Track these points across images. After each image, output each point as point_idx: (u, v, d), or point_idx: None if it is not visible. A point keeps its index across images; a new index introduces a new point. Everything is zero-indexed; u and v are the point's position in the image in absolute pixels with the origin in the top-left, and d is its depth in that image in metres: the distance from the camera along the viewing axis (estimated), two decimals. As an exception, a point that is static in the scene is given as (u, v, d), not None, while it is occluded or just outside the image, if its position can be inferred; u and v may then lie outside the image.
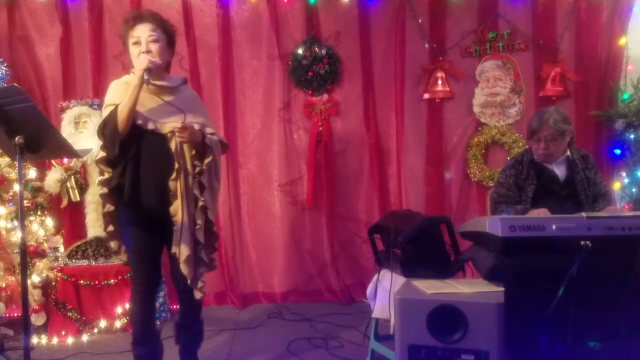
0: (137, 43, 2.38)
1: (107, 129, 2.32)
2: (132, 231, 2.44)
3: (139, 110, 2.32)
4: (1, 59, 3.71)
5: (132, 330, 2.55)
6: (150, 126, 2.35)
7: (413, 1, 4.13)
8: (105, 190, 2.42)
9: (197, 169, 2.40)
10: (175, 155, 2.35)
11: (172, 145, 2.36)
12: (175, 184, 2.36)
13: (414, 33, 4.17)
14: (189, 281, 2.42)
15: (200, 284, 2.47)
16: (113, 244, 2.56)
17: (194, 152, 2.41)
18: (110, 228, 2.49)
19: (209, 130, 2.49)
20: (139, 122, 2.33)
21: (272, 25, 4.08)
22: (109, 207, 2.46)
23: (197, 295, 2.47)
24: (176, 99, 2.45)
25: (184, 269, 2.38)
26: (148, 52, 2.35)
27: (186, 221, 2.36)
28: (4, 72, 3.69)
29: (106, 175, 2.42)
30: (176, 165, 2.35)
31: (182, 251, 2.36)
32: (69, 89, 3.97)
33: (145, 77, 2.26)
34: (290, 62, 4.10)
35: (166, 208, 2.37)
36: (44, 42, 3.99)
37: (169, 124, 2.35)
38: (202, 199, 2.41)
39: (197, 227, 2.40)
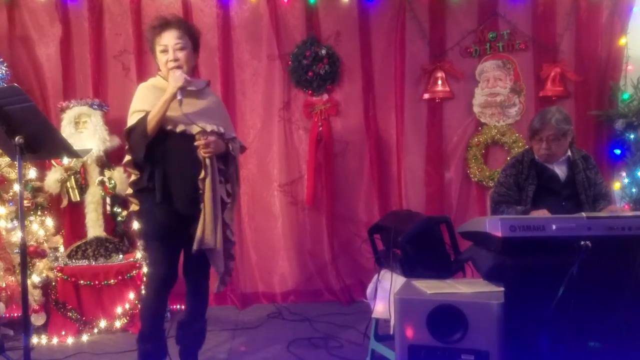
0: (164, 51, 2.44)
1: (134, 135, 2.40)
2: (155, 230, 2.49)
3: (168, 114, 2.39)
4: (1, 59, 3.72)
5: (141, 326, 2.57)
6: (180, 128, 2.41)
7: (413, 1, 4.13)
8: (131, 191, 2.52)
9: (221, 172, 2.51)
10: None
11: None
12: (204, 183, 2.42)
13: (414, 33, 4.17)
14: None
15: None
16: (139, 243, 2.64)
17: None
18: (136, 226, 2.57)
19: (230, 134, 2.57)
20: (169, 127, 2.41)
21: (272, 25, 4.08)
22: (134, 207, 2.54)
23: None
24: (201, 102, 2.52)
25: (214, 263, 2.50)
26: (175, 60, 2.42)
27: (212, 215, 2.43)
28: (4, 72, 3.69)
29: (133, 177, 2.50)
30: (206, 163, 2.41)
31: (215, 243, 2.44)
32: (69, 89, 3.97)
33: (179, 97, 2.34)
34: (290, 62, 4.10)
35: (196, 207, 2.43)
36: (44, 42, 3.99)
37: (197, 126, 2.42)
38: (229, 200, 2.53)
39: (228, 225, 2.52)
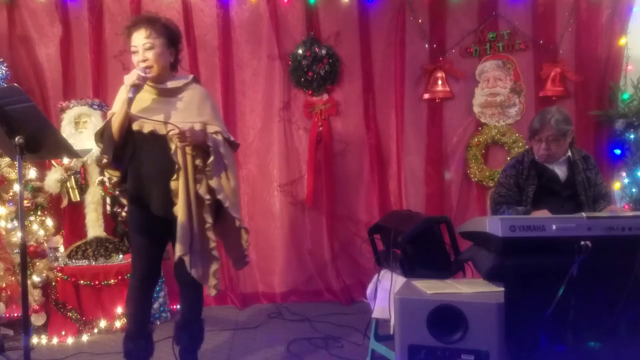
0: (135, 52, 2.42)
1: (103, 137, 2.45)
2: (135, 229, 2.52)
3: (137, 113, 2.37)
4: (1, 59, 3.71)
5: (126, 325, 2.60)
6: (148, 128, 2.38)
7: (413, 1, 4.13)
8: (117, 191, 2.59)
9: (199, 168, 2.40)
10: (175, 156, 2.35)
11: (173, 145, 2.36)
12: (177, 185, 2.38)
13: (414, 33, 4.17)
14: (197, 278, 2.43)
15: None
16: None
17: (194, 152, 2.40)
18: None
19: (212, 128, 2.47)
20: (136, 127, 2.39)
21: (272, 25, 4.08)
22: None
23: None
24: (177, 99, 2.47)
25: (187, 267, 2.38)
26: (144, 60, 2.39)
27: (185, 220, 2.36)
28: (4, 72, 3.69)
29: (115, 179, 2.55)
30: (176, 166, 2.36)
31: (179, 250, 2.37)
32: (69, 89, 3.97)
33: (130, 95, 2.31)
34: (290, 62, 4.10)
35: (170, 208, 2.40)
36: (44, 42, 3.99)
37: (168, 125, 2.36)
38: (208, 197, 2.40)
39: (207, 225, 2.42)
